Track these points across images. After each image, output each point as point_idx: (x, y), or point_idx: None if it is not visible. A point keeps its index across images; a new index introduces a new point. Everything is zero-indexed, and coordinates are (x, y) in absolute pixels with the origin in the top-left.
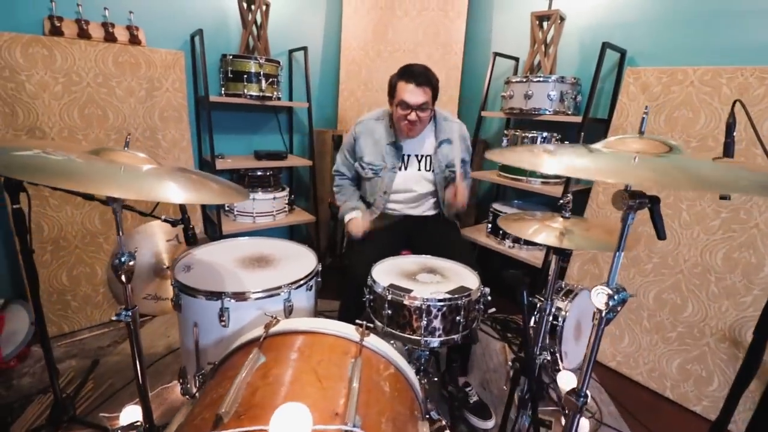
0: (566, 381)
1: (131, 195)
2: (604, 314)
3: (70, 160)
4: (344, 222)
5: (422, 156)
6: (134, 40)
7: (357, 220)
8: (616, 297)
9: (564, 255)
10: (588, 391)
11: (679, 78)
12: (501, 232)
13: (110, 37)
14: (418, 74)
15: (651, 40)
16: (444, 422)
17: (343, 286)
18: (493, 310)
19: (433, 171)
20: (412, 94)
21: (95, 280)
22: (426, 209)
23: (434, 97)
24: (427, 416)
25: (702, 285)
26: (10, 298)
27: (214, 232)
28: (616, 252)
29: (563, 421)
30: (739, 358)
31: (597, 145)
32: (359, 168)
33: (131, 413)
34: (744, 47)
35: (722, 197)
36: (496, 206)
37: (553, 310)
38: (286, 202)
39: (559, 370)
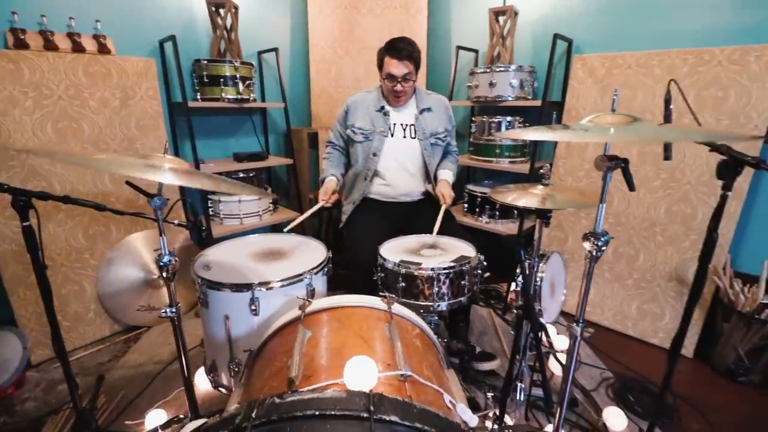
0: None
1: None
2: (594, 253)
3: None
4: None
5: (406, 125)
6: (103, 50)
7: (330, 184)
8: (602, 239)
9: (545, 217)
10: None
11: (619, 62)
12: (477, 210)
13: (78, 47)
14: (402, 49)
15: (594, 29)
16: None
17: (348, 273)
18: (488, 274)
19: (417, 138)
20: (397, 67)
21: (85, 297)
22: (415, 191)
23: (417, 67)
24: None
25: (650, 237)
26: None
27: (200, 239)
28: (599, 204)
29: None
30: (685, 293)
31: (583, 122)
32: (351, 133)
33: (156, 417)
34: (669, 32)
35: (666, 158)
36: (470, 187)
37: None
38: (270, 201)
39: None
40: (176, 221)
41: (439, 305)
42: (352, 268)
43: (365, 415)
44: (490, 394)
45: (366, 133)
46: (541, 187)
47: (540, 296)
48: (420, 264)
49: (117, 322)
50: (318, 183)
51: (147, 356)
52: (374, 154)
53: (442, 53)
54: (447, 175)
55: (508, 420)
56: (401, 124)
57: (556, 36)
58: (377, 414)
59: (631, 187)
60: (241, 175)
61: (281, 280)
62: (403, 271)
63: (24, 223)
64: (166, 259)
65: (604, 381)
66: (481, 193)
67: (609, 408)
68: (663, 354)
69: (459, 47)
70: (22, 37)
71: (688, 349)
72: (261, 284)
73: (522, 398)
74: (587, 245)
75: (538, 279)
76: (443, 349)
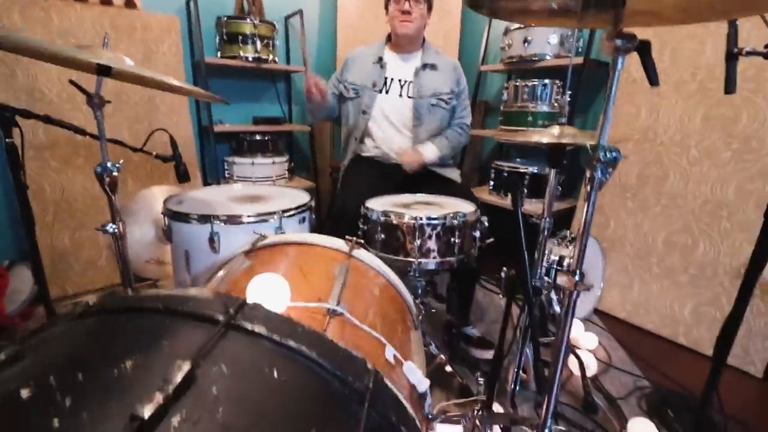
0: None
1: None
2: (597, 175)
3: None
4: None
5: (405, 81)
6: (130, 4)
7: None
8: (607, 155)
9: (558, 161)
10: (593, 336)
11: None
12: (503, 191)
13: (106, 1)
14: None
15: None
16: (443, 357)
17: (335, 225)
18: (491, 240)
19: (413, 98)
20: None
21: (98, 243)
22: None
23: (428, 2)
24: (425, 348)
25: (713, 222)
26: (16, 259)
27: (178, 174)
28: (606, 104)
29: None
30: (756, 294)
31: None
32: (343, 89)
33: None
34: None
35: (727, 91)
36: (499, 162)
37: (556, 258)
38: (286, 168)
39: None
40: (155, 153)
41: (423, 263)
42: (336, 220)
43: (221, 317)
44: (481, 380)
45: (357, 88)
46: (557, 127)
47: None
48: (402, 213)
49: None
50: (339, 155)
51: None
52: (364, 112)
53: (480, 19)
54: (428, 148)
55: (498, 408)
56: (399, 80)
57: None
58: (237, 320)
59: (652, 79)
60: (258, 137)
61: (247, 216)
62: (383, 219)
63: (7, 140)
64: (98, 168)
65: (638, 390)
66: (508, 167)
67: (636, 419)
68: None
69: None
70: None
71: (758, 366)
72: (222, 218)
73: (517, 387)
74: (587, 160)
75: (565, 267)
76: (417, 311)
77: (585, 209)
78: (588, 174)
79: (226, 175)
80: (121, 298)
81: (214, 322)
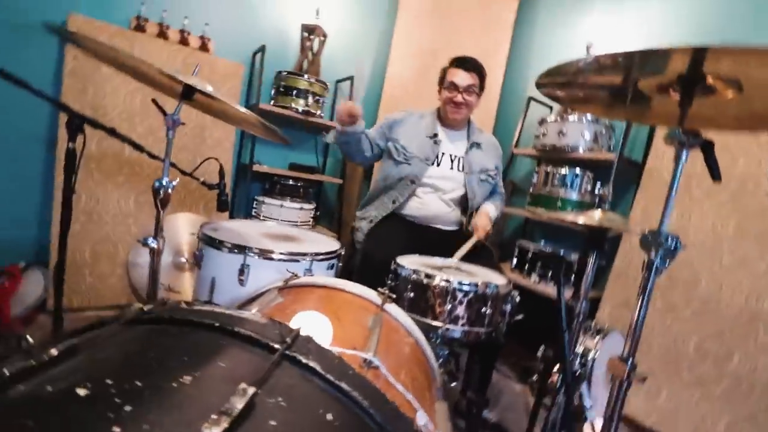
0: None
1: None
2: (657, 262)
3: None
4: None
5: (455, 156)
6: (204, 48)
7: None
8: (669, 241)
9: (600, 246)
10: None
11: None
12: (526, 267)
13: (184, 42)
14: (468, 61)
15: None
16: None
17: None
18: (521, 316)
19: (464, 171)
20: (460, 76)
21: (116, 259)
22: (450, 220)
23: (481, 87)
24: None
25: (748, 333)
26: (31, 262)
27: (219, 202)
28: (668, 195)
29: None
30: None
31: None
32: (392, 148)
33: None
34: None
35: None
36: (523, 242)
37: (581, 349)
38: (311, 215)
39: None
40: (202, 179)
41: (450, 330)
42: (362, 268)
43: (276, 345)
44: None
45: (409, 155)
46: (598, 211)
47: (590, 381)
48: (434, 275)
49: (135, 293)
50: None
51: None
52: (412, 182)
53: (514, 107)
54: (489, 208)
55: None
56: (450, 155)
57: None
58: (292, 351)
59: (715, 174)
60: (291, 182)
61: (279, 253)
62: (414, 277)
63: (70, 144)
64: (157, 183)
65: None
66: (533, 248)
67: None
68: None
69: (531, 98)
70: (143, 24)
71: None
72: (255, 251)
73: None
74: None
75: (590, 359)
76: (441, 380)
77: (640, 299)
78: (646, 260)
79: (254, 213)
80: (176, 309)
81: (271, 349)
